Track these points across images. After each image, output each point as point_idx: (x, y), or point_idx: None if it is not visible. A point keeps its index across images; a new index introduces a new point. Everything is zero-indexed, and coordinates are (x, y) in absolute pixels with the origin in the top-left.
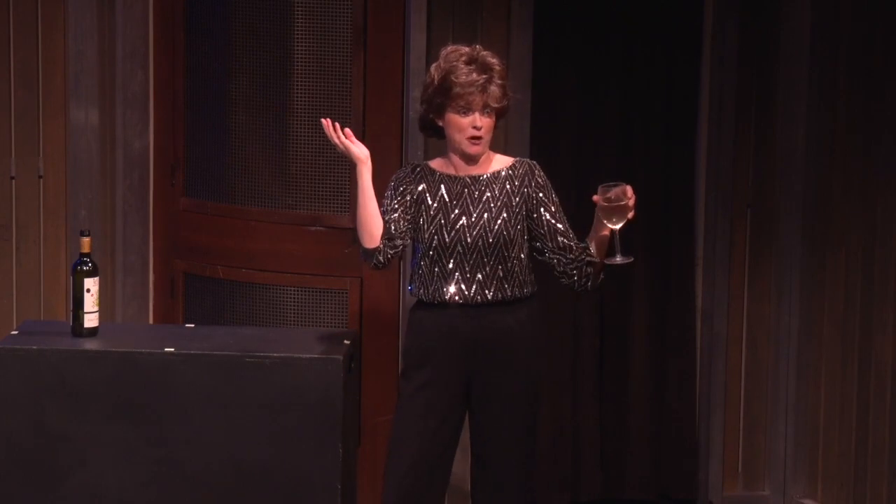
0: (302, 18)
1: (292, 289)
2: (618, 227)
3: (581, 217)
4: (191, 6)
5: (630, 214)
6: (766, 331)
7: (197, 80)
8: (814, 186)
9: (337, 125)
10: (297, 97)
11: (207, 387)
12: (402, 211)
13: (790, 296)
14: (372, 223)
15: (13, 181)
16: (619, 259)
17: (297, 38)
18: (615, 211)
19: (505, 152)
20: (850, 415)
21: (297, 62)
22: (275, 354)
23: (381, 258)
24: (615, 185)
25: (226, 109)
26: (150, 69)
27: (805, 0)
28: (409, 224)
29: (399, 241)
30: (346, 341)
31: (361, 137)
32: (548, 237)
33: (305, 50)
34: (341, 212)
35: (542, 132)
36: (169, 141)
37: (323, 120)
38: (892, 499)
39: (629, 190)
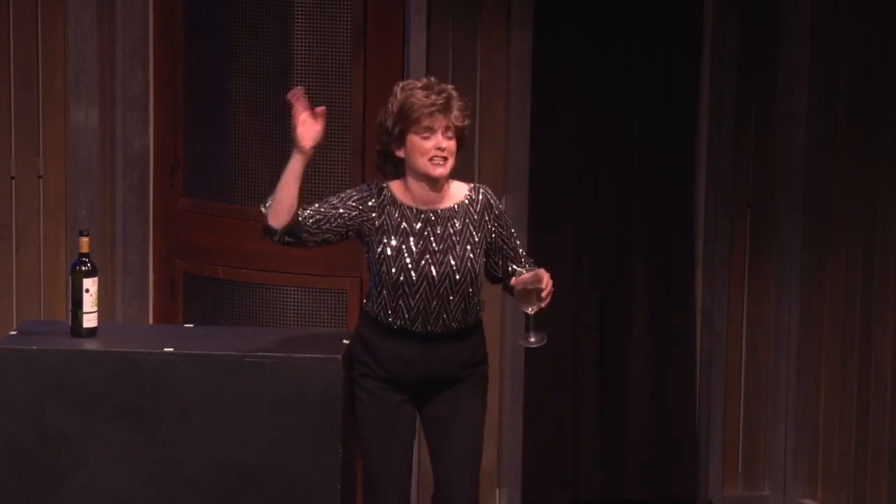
0: (302, 18)
1: (292, 289)
2: (531, 311)
3: (580, 217)
4: (191, 6)
5: (544, 304)
6: (766, 331)
7: (197, 80)
8: (814, 186)
9: (302, 95)
10: None
11: (207, 387)
12: (338, 215)
13: (790, 296)
14: (282, 207)
15: (13, 181)
16: (532, 340)
17: (297, 38)
18: (529, 296)
19: (505, 152)
20: (850, 415)
21: (297, 62)
22: (275, 354)
23: (275, 240)
24: (531, 271)
25: (226, 109)
26: (150, 69)
27: (805, 0)
28: (334, 230)
29: (304, 236)
30: (345, 341)
31: (361, 137)
32: (499, 266)
33: (305, 50)
34: None
35: (542, 132)
36: (169, 141)
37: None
38: (892, 499)
39: (543, 277)
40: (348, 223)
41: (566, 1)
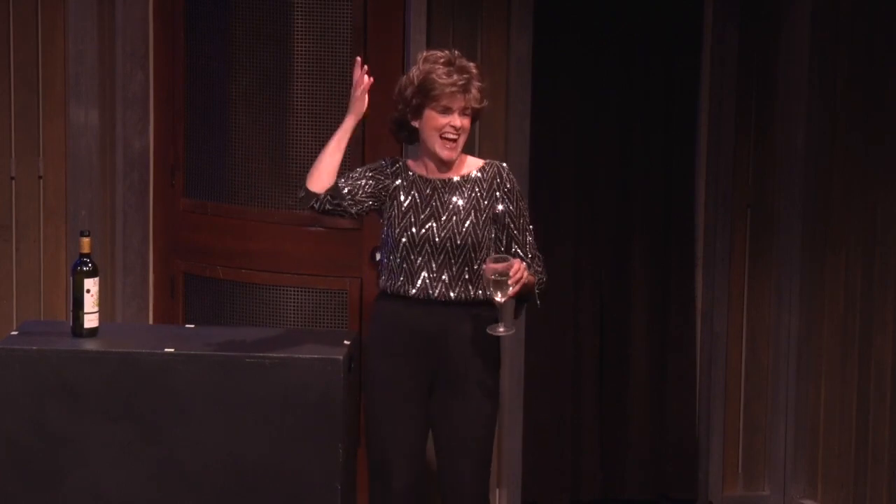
0: (302, 18)
1: (292, 289)
2: (501, 300)
3: (580, 217)
4: (191, 6)
5: (511, 291)
6: (766, 331)
7: (197, 80)
8: (814, 186)
9: (366, 67)
10: (297, 97)
11: (207, 387)
12: (363, 185)
13: (790, 296)
14: (326, 169)
15: (13, 181)
16: (501, 330)
17: (297, 38)
18: (497, 285)
19: (505, 152)
20: (850, 415)
21: (297, 62)
22: (275, 354)
23: (315, 205)
24: (504, 260)
25: (226, 110)
26: (150, 69)
27: (805, 1)
28: (362, 199)
29: (344, 203)
30: (346, 341)
31: (361, 138)
32: (503, 240)
33: (305, 50)
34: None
35: (542, 132)
36: (169, 141)
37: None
38: (893, 499)
39: (513, 267)
40: (372, 192)
41: (566, 1)
